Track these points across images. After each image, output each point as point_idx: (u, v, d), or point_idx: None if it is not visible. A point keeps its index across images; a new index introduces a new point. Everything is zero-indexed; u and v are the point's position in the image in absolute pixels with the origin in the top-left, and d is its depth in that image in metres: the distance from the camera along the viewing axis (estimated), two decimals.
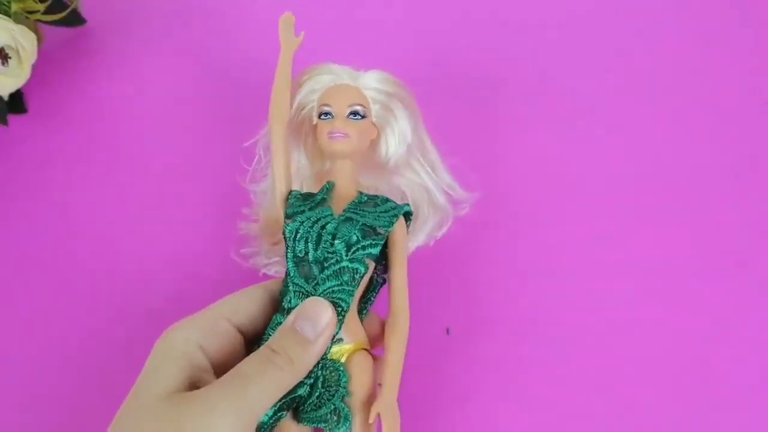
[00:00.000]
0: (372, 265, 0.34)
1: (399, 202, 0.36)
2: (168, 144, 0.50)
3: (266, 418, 0.30)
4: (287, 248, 0.33)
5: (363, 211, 0.34)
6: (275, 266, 0.40)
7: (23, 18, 0.50)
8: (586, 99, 0.50)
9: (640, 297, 0.42)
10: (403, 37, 0.54)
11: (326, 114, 0.36)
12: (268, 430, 0.30)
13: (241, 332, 0.33)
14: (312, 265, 0.33)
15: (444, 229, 0.40)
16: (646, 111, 0.49)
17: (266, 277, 0.40)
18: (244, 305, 0.33)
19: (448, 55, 0.53)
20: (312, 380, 0.31)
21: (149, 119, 0.52)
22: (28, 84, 0.50)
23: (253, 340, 0.33)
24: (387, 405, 0.31)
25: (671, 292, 0.42)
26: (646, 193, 0.45)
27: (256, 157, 0.40)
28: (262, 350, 0.30)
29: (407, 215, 0.36)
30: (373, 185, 0.39)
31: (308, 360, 0.31)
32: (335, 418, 0.31)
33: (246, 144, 0.40)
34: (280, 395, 0.30)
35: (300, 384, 0.31)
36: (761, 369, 0.39)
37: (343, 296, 0.32)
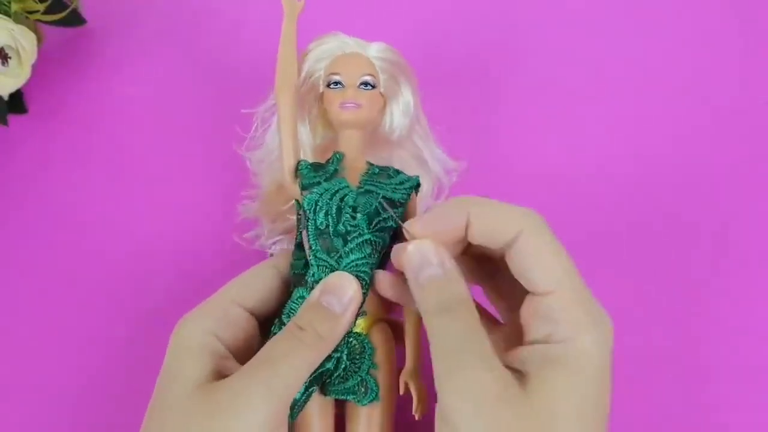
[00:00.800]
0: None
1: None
2: (168, 144, 0.50)
3: (298, 395, 0.30)
4: (308, 220, 0.33)
5: (380, 182, 0.34)
6: (280, 245, 0.40)
7: (23, 18, 0.50)
8: (586, 97, 0.50)
9: (641, 296, 0.42)
10: (403, 37, 0.54)
11: (336, 83, 0.35)
12: (302, 406, 0.30)
13: (253, 314, 0.33)
14: (334, 238, 0.32)
15: (439, 201, 0.41)
16: (646, 111, 0.49)
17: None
18: (253, 288, 0.33)
19: (446, 51, 0.53)
20: (338, 353, 0.31)
21: (149, 119, 0.51)
22: (28, 84, 0.50)
23: (267, 319, 0.33)
24: (412, 374, 0.31)
25: (672, 291, 0.42)
26: (646, 192, 0.45)
27: (254, 125, 0.40)
28: (289, 328, 0.30)
29: (417, 187, 0.35)
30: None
31: (337, 335, 0.30)
32: (363, 389, 0.31)
33: (245, 111, 0.40)
34: (309, 373, 0.30)
35: (327, 358, 0.31)
36: (761, 369, 0.39)
37: (366, 269, 0.32)
